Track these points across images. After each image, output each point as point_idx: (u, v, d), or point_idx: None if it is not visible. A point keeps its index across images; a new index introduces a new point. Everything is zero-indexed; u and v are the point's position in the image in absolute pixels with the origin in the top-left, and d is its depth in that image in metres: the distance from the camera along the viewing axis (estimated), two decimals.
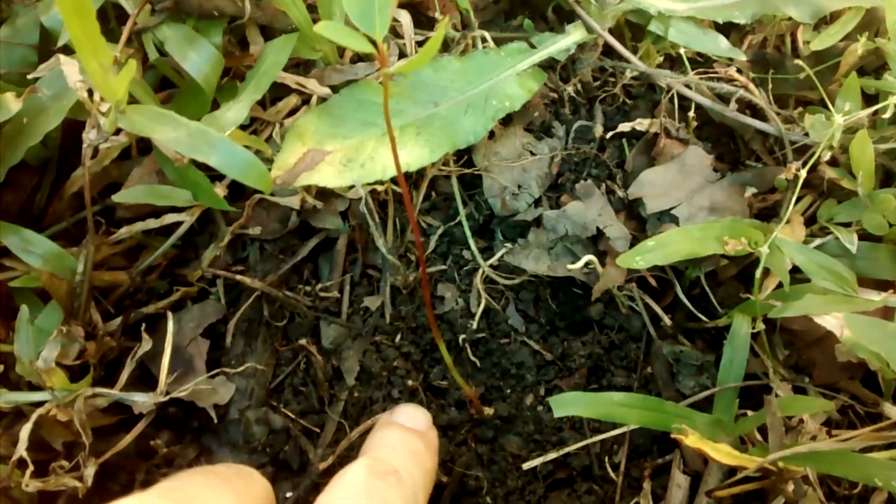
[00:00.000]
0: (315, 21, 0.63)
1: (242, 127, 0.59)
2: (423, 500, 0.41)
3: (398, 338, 0.61)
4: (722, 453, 0.47)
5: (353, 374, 0.58)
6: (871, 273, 0.59)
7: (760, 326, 0.55)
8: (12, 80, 0.57)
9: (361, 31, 0.40)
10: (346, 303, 0.62)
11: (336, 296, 0.62)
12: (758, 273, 0.54)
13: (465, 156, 0.66)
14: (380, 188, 0.63)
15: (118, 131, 0.53)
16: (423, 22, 0.70)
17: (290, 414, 0.58)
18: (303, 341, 0.59)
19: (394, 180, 0.62)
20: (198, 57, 0.57)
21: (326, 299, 0.61)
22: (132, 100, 0.54)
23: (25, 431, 0.49)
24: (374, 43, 0.40)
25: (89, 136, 0.50)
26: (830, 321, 0.54)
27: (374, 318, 0.61)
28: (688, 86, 0.66)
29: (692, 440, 0.46)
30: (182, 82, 0.61)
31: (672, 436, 0.47)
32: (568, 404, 0.51)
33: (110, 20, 0.62)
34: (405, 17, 0.66)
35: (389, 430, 0.45)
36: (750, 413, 0.55)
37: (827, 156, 0.60)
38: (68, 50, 0.54)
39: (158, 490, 0.35)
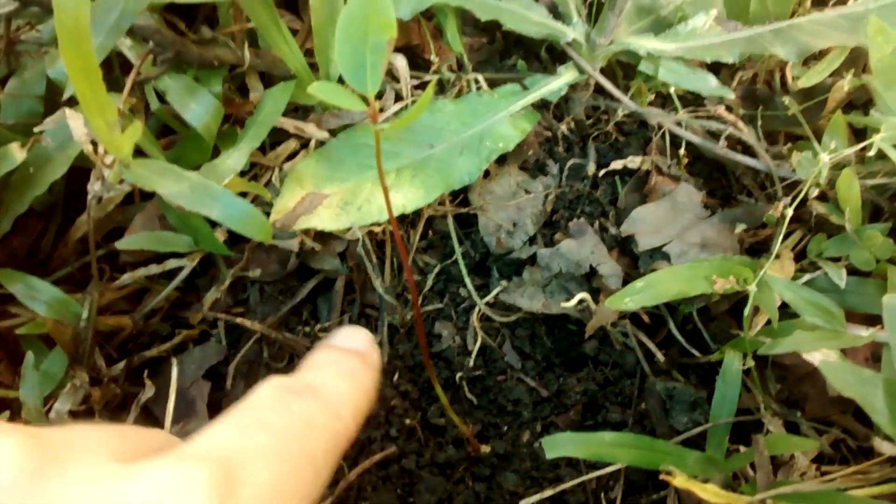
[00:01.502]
0: (312, 66, 0.65)
1: (242, 173, 0.60)
2: (350, 418, 0.36)
3: (396, 377, 0.62)
4: (710, 493, 0.47)
5: None
6: (859, 308, 0.60)
7: (751, 363, 0.56)
8: (19, 131, 0.59)
9: (353, 88, 0.42)
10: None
11: None
12: (747, 311, 0.55)
13: (460, 195, 0.68)
14: (377, 229, 0.64)
15: (122, 180, 0.55)
16: (420, 64, 0.72)
17: None
18: None
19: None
20: (198, 107, 0.59)
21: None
22: (136, 148, 0.56)
23: None
24: (366, 99, 0.41)
25: (94, 187, 0.51)
26: (819, 357, 0.55)
27: None
28: (679, 123, 0.67)
29: (680, 481, 0.47)
30: (183, 130, 0.63)
31: (660, 477, 0.48)
32: (560, 445, 0.52)
33: (114, 69, 0.64)
34: (401, 62, 0.68)
35: (319, 351, 0.41)
36: (743, 449, 0.56)
37: (815, 192, 0.62)
38: (74, 101, 0.56)
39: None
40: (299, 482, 0.30)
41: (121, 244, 0.59)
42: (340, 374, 0.38)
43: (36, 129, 0.55)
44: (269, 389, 0.34)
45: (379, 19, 0.42)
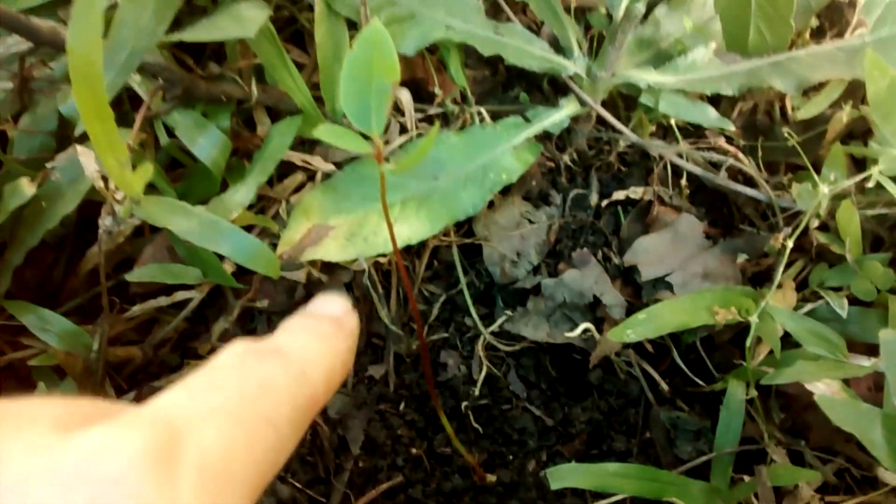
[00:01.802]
0: (317, 99, 0.66)
1: (250, 205, 0.61)
2: (321, 381, 0.34)
3: (402, 406, 0.63)
4: None
5: (358, 443, 0.60)
6: (861, 338, 0.60)
7: (753, 393, 0.57)
8: (31, 166, 0.60)
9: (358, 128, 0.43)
10: (350, 372, 0.64)
11: None
12: (749, 342, 0.56)
13: (465, 225, 0.68)
14: (383, 259, 0.65)
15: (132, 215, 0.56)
16: (424, 97, 0.73)
17: (297, 484, 0.59)
18: None
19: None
20: (206, 142, 0.60)
21: None
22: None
23: None
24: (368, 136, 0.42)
25: (105, 222, 0.53)
26: (821, 387, 0.55)
27: (378, 386, 0.63)
28: (680, 155, 0.68)
29: None
30: (191, 163, 0.64)
31: None
32: (565, 476, 0.53)
33: (124, 103, 0.65)
34: (405, 95, 0.69)
35: (292, 318, 0.39)
36: (747, 478, 0.57)
37: (816, 222, 0.62)
38: (85, 136, 0.57)
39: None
40: (255, 446, 0.29)
41: (131, 276, 0.59)
42: (310, 336, 0.37)
43: (48, 165, 0.57)
44: (230, 352, 0.32)
45: (383, 63, 0.43)
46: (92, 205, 0.60)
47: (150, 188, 0.57)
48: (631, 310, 0.62)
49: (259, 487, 0.29)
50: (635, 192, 0.69)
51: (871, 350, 0.59)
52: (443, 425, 0.60)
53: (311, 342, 0.36)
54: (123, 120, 0.56)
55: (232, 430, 0.28)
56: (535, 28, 0.77)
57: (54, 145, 0.62)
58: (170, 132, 0.63)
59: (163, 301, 0.61)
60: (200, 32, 0.56)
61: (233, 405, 0.29)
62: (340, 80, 0.42)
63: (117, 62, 0.56)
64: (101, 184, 0.52)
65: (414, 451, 0.60)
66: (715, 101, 0.72)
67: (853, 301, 0.61)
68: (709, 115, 0.69)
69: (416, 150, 0.66)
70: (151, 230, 0.65)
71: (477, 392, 0.63)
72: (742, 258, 0.64)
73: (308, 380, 0.33)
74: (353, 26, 0.66)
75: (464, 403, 0.62)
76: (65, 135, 0.62)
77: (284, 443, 0.30)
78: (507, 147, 0.67)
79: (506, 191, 0.68)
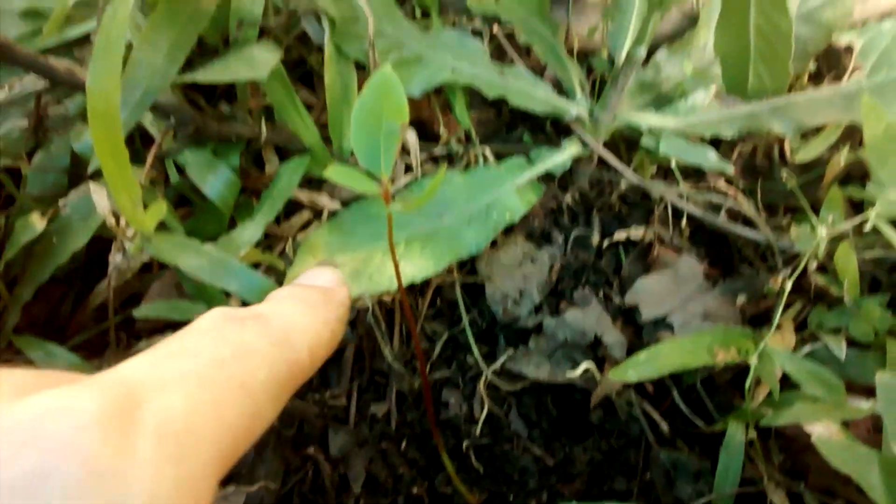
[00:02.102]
0: (325, 139, 0.67)
1: (257, 243, 0.62)
2: (305, 348, 0.33)
3: (404, 444, 0.63)
4: None
5: (360, 482, 0.60)
6: (860, 380, 0.61)
7: (753, 435, 0.57)
8: (44, 202, 0.61)
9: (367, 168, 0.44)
10: (353, 410, 0.64)
11: (344, 403, 0.64)
12: (748, 383, 0.56)
13: (468, 264, 0.69)
14: (387, 297, 0.66)
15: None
16: (429, 136, 0.75)
17: None
18: (311, 450, 0.61)
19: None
20: (216, 181, 0.61)
21: (335, 406, 0.64)
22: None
23: None
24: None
25: (115, 258, 0.54)
26: (820, 429, 0.56)
27: (380, 424, 0.64)
28: (680, 196, 0.70)
29: None
30: (200, 201, 0.65)
31: None
32: None
33: (135, 141, 0.67)
34: (411, 136, 0.70)
35: (281, 288, 0.38)
36: None
37: (815, 264, 0.63)
38: (98, 173, 0.59)
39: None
40: (225, 410, 0.28)
41: (138, 313, 0.60)
42: (297, 304, 0.36)
43: (60, 203, 0.58)
44: (208, 317, 0.32)
45: (392, 106, 0.44)
46: (101, 240, 0.61)
47: (160, 225, 0.58)
48: (632, 349, 0.62)
49: (231, 453, 0.28)
50: (636, 232, 0.70)
51: (870, 392, 0.59)
52: (444, 464, 0.61)
53: (297, 310, 0.35)
54: (134, 157, 0.57)
55: (199, 393, 0.27)
56: (539, 70, 0.79)
57: (66, 182, 0.64)
58: (180, 170, 0.64)
59: (170, 336, 0.61)
60: (214, 74, 0.57)
61: (202, 369, 0.28)
62: (351, 121, 0.43)
63: (131, 101, 0.57)
64: (112, 221, 0.53)
65: (415, 490, 0.60)
66: (715, 143, 0.73)
67: (852, 343, 0.62)
68: (709, 158, 0.70)
69: (422, 190, 0.67)
70: (159, 266, 0.66)
71: (478, 431, 0.63)
72: (742, 299, 0.65)
73: (291, 346, 0.33)
74: (361, 68, 0.67)
75: (465, 442, 0.63)
76: (77, 172, 0.64)
77: (260, 409, 0.29)
78: (511, 187, 0.68)
79: (509, 230, 0.69)
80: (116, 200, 0.49)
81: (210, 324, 0.31)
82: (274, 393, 0.31)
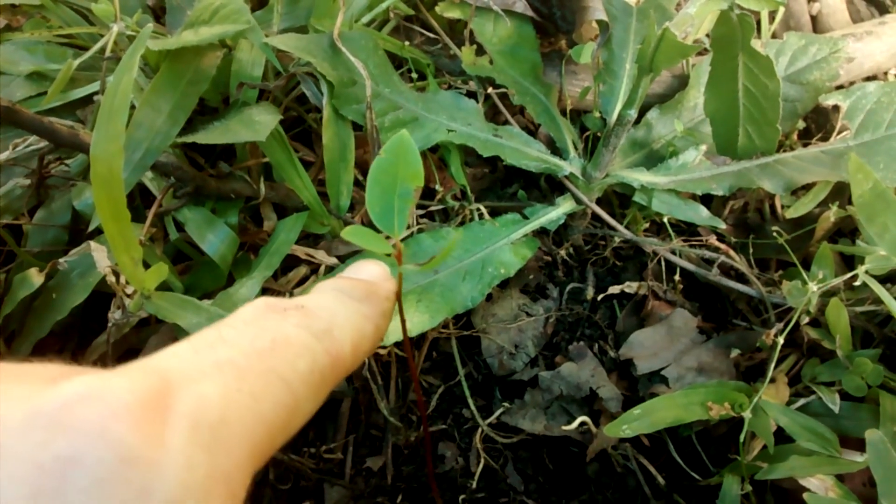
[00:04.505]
0: (322, 195, 0.68)
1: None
2: (348, 342, 0.33)
3: (399, 498, 0.63)
4: None
5: None
6: (854, 433, 0.61)
7: (748, 488, 0.57)
8: (44, 258, 0.62)
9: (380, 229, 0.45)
10: (349, 464, 0.64)
11: (339, 457, 0.64)
12: (742, 437, 0.57)
13: (464, 317, 0.70)
14: (382, 351, 0.66)
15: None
16: (426, 193, 0.76)
17: None
18: None
19: (397, 344, 0.65)
20: (215, 238, 0.62)
21: (330, 461, 0.64)
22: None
23: None
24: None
25: (114, 315, 0.54)
26: (815, 483, 0.56)
27: (376, 478, 0.63)
28: (673, 251, 0.71)
29: None
30: (199, 257, 0.66)
31: None
32: None
33: (135, 198, 0.68)
34: None
35: (326, 280, 0.38)
36: None
37: (807, 318, 0.64)
38: (97, 231, 0.60)
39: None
40: (262, 401, 0.27)
41: None
42: (341, 297, 0.35)
43: (61, 260, 0.58)
44: (251, 306, 0.31)
45: (408, 169, 0.45)
46: (99, 297, 0.61)
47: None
48: (627, 402, 0.63)
49: (267, 445, 0.27)
50: (630, 286, 0.71)
51: (864, 445, 0.60)
52: None
53: (341, 302, 0.34)
54: (135, 215, 0.58)
55: (236, 383, 0.26)
56: (532, 129, 0.81)
57: (66, 238, 0.65)
58: (179, 226, 0.65)
59: None
60: (214, 136, 0.59)
61: (241, 359, 0.28)
62: (367, 182, 0.43)
63: (132, 161, 0.58)
64: (112, 279, 0.53)
65: None
66: (707, 199, 0.74)
67: (845, 396, 0.62)
68: (701, 214, 0.72)
69: (419, 246, 0.68)
70: (157, 320, 0.67)
71: (475, 485, 0.63)
72: (735, 353, 0.66)
73: (333, 340, 0.32)
74: (357, 128, 0.69)
75: (461, 496, 0.63)
76: (77, 228, 0.65)
77: (299, 402, 0.29)
78: (506, 242, 0.69)
79: (504, 284, 0.70)
80: (117, 260, 0.50)
81: (252, 314, 0.31)
82: (314, 386, 0.30)
